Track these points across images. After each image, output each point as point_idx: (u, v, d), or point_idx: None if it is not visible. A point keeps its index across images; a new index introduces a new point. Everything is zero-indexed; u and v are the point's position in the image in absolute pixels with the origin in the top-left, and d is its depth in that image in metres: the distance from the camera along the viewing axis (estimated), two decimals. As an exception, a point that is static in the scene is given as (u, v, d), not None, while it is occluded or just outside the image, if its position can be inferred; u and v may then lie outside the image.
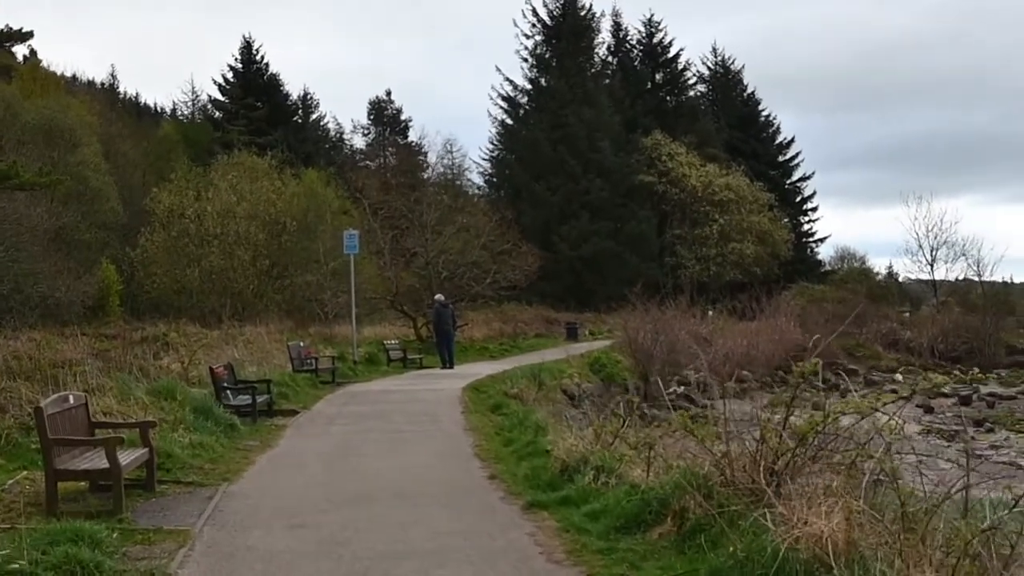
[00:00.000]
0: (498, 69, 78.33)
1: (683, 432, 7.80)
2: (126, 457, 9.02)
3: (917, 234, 72.01)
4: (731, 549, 6.09)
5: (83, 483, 9.25)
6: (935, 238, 64.70)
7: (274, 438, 13.73)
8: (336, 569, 6.98)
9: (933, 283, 67.04)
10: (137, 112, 68.39)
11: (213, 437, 12.47)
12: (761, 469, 6.95)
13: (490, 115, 69.81)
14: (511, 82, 67.71)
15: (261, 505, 9.17)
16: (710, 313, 44.70)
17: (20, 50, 63.34)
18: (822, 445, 7.21)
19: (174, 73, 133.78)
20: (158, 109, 74.23)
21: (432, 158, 68.26)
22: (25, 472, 9.64)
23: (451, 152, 67.74)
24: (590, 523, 7.90)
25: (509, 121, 68.19)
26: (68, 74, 66.19)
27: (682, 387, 32.41)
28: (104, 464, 8.57)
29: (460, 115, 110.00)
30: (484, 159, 69.08)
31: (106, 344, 26.69)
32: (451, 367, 27.84)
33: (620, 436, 9.64)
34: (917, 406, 29.13)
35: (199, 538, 7.85)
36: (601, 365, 30.67)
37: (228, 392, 15.70)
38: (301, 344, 24.45)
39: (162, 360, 19.72)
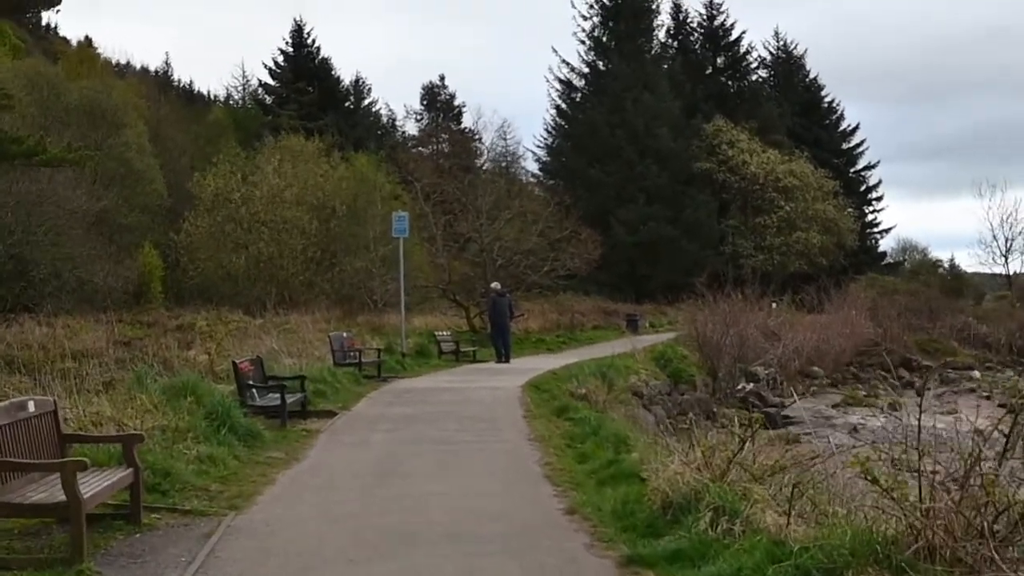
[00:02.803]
0: (555, 51, 75.66)
1: (858, 470, 5.51)
2: (97, 484, 6.87)
3: (991, 224, 69.02)
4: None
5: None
6: (1010, 228, 61.67)
7: (303, 448, 11.62)
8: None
9: (1008, 276, 64.03)
10: (189, 99, 67.14)
11: (227, 448, 10.32)
12: (985, 533, 4.71)
13: (549, 96, 67.88)
14: (568, 64, 65.66)
15: (271, 549, 7.01)
16: (774, 305, 42.22)
17: (75, 35, 63.09)
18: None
19: (227, 62, 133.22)
20: (211, 96, 73.04)
21: (487, 140, 65.99)
22: (-17, 496, 7.63)
23: (505, 139, 65.49)
24: (720, 597, 5.57)
25: (564, 106, 66.17)
26: (123, 61, 65.58)
27: (751, 384, 30.24)
28: (63, 496, 6.41)
29: (514, 105, 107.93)
30: (539, 146, 67.06)
31: (140, 332, 25.11)
32: (507, 361, 26.03)
33: (738, 462, 7.32)
34: (999, 405, 26.83)
35: (176, 606, 5.77)
36: (667, 360, 28.36)
37: (254, 391, 13.58)
38: (344, 335, 22.37)
39: (190, 351, 17.84)
